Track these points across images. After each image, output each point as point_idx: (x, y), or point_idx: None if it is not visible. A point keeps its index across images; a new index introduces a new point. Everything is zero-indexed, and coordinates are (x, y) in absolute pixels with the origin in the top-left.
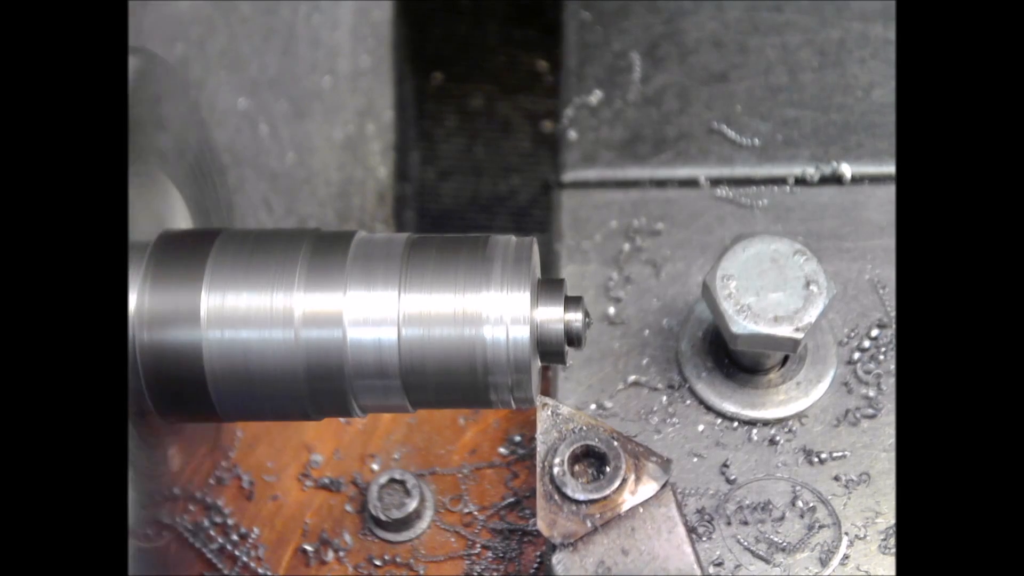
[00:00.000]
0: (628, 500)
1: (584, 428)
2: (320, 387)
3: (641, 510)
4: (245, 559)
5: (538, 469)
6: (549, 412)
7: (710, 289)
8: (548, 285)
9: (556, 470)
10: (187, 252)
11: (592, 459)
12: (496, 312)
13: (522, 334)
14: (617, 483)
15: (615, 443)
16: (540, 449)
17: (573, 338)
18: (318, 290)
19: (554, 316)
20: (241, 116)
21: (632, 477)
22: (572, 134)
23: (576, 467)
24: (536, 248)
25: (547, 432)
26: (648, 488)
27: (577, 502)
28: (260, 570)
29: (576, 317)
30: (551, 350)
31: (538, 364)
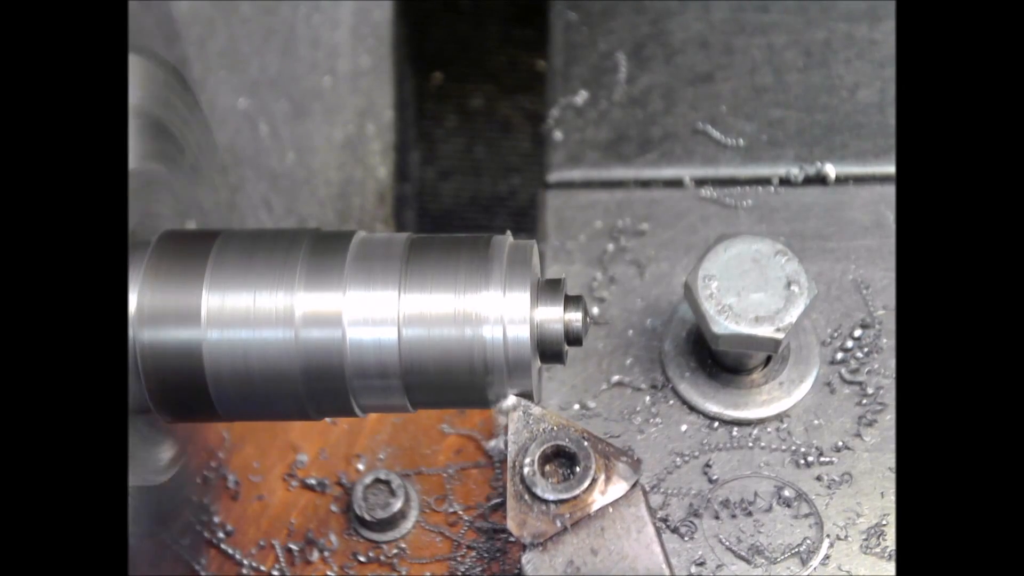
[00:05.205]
0: (598, 500)
1: (555, 428)
2: (320, 387)
3: (611, 510)
4: (230, 559)
5: (509, 469)
6: (520, 412)
7: (692, 289)
8: (548, 285)
9: (526, 470)
10: (187, 252)
11: (563, 459)
12: (496, 312)
13: (522, 334)
14: (587, 483)
15: (585, 443)
16: (511, 449)
17: (573, 338)
18: (318, 290)
19: (554, 316)
20: (241, 116)
21: (602, 477)
22: (557, 134)
23: (547, 467)
24: (536, 248)
25: (518, 432)
26: (618, 488)
27: (547, 502)
28: (245, 570)
29: (576, 317)
30: (551, 350)
31: (538, 364)
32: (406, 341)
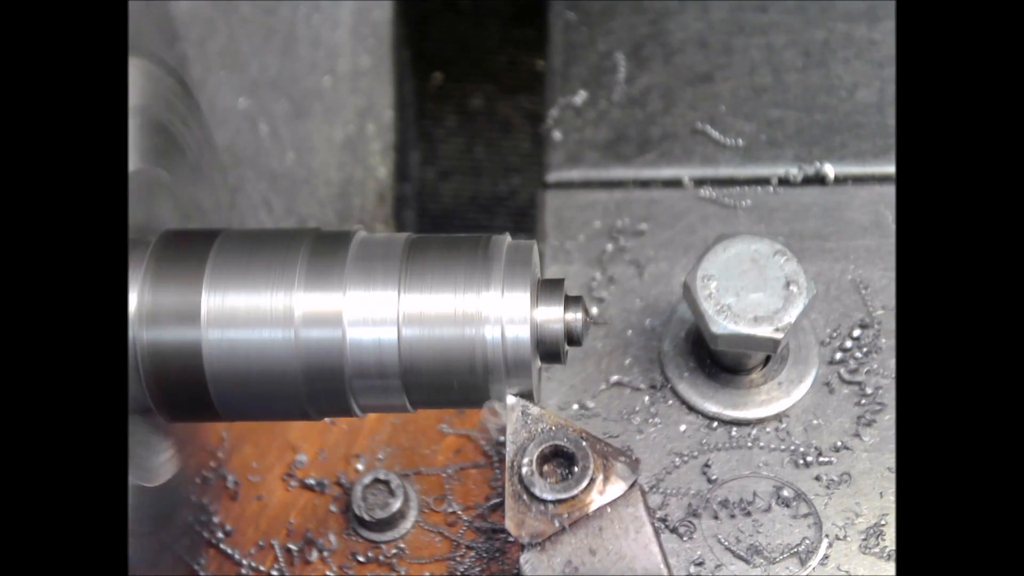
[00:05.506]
0: (596, 500)
1: (553, 428)
2: (320, 387)
3: (609, 510)
4: (229, 559)
5: (507, 469)
6: (519, 412)
7: (691, 289)
8: (548, 285)
9: (525, 470)
10: (187, 252)
11: (561, 459)
12: (496, 312)
13: (522, 334)
14: (585, 483)
15: (583, 443)
16: (509, 449)
17: (573, 338)
18: (318, 290)
19: (554, 316)
20: (241, 116)
21: (600, 477)
22: (557, 134)
23: (545, 467)
24: (536, 248)
25: (516, 432)
26: (616, 488)
27: (545, 502)
28: (244, 570)
29: (576, 317)
30: (551, 350)
31: (538, 364)
32: (406, 341)
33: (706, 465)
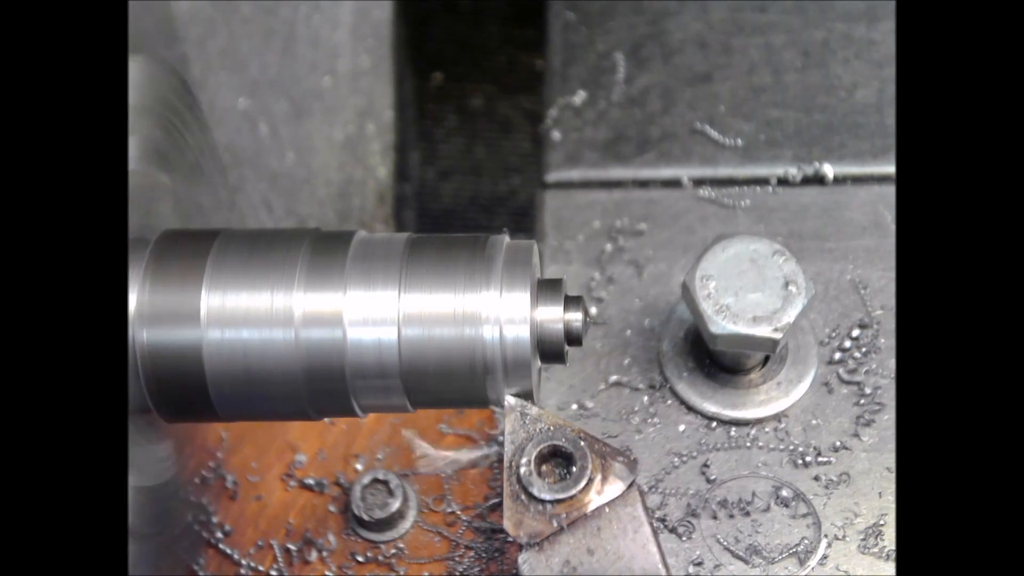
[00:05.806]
0: (594, 500)
1: (551, 428)
2: (320, 387)
3: (607, 510)
4: (228, 559)
5: (505, 469)
6: (517, 412)
7: (689, 289)
8: (548, 285)
9: (523, 470)
10: (187, 252)
11: (559, 459)
12: (496, 312)
13: (522, 334)
14: (583, 483)
15: (582, 443)
16: (508, 449)
17: (573, 338)
18: (318, 290)
19: (554, 316)
20: (241, 116)
21: (599, 477)
22: (556, 134)
23: (543, 467)
24: (536, 248)
25: (515, 432)
26: (614, 488)
27: (543, 502)
28: (243, 570)
29: (576, 317)
30: (551, 350)
31: (538, 364)
32: (406, 341)
33: (705, 465)
